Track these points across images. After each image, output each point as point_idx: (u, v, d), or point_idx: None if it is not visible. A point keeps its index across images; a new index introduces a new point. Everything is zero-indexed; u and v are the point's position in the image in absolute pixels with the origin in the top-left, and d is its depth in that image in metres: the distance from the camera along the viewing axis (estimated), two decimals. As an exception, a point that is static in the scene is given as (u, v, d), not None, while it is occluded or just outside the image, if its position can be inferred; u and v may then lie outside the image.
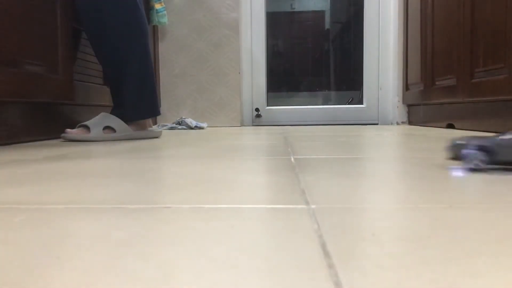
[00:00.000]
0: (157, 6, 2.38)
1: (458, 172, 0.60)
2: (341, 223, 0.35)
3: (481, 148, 0.61)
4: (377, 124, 2.70)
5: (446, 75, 1.98)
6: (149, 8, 2.36)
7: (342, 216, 0.37)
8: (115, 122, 1.43)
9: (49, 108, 1.48)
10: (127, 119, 1.46)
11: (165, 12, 2.42)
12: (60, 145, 1.21)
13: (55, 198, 0.47)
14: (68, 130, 1.37)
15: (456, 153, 0.67)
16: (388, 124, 2.66)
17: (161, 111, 2.53)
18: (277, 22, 2.82)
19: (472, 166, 0.61)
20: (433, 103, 2.15)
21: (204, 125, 2.35)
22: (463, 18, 1.81)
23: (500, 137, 0.62)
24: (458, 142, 0.67)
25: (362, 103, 2.74)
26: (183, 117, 2.42)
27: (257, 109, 2.74)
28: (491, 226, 0.34)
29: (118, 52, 1.43)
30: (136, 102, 1.48)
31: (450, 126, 1.98)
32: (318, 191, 0.49)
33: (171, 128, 2.31)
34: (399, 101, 2.61)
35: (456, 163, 0.69)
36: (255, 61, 2.71)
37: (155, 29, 2.50)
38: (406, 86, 2.53)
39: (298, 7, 2.88)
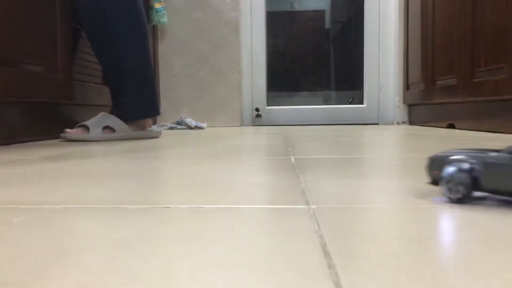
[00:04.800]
0: (157, 5, 2.38)
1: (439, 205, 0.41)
2: (341, 223, 0.35)
3: (466, 170, 0.41)
4: (377, 124, 2.70)
5: (447, 75, 1.98)
6: (149, 7, 2.35)
7: (342, 216, 0.37)
8: (115, 122, 1.43)
9: (48, 108, 1.48)
10: (126, 119, 1.46)
11: (165, 11, 2.42)
12: (59, 145, 1.21)
13: (55, 198, 0.47)
14: (68, 130, 1.37)
15: (435, 175, 0.44)
16: (389, 124, 2.66)
17: (161, 111, 2.53)
18: (277, 22, 2.82)
19: (454, 196, 0.41)
20: (433, 103, 2.15)
21: (204, 125, 2.35)
22: (464, 18, 1.81)
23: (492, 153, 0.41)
24: (438, 156, 0.44)
25: (362, 103, 2.74)
26: (183, 117, 2.42)
27: (257, 109, 2.74)
28: (492, 226, 0.34)
29: (118, 52, 1.43)
30: (136, 102, 1.48)
31: (451, 126, 1.98)
32: (318, 191, 0.49)
33: (171, 128, 2.30)
34: (399, 101, 2.61)
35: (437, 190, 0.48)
36: (255, 61, 2.71)
37: (155, 28, 2.50)
38: (407, 86, 2.53)
39: (298, 7, 2.88)
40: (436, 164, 0.44)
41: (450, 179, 0.41)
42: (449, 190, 0.41)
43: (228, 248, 0.29)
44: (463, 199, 0.41)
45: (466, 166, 0.40)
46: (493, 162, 0.40)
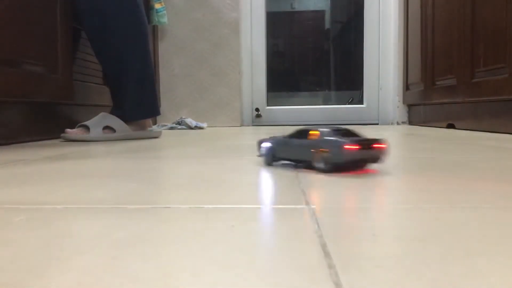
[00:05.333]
0: (157, 6, 2.38)
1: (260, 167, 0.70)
2: (341, 223, 0.35)
3: (269, 147, 0.70)
4: (377, 124, 2.70)
5: (447, 75, 1.98)
6: (149, 8, 2.35)
7: (342, 216, 0.37)
8: (115, 122, 1.43)
9: (49, 108, 1.48)
10: (127, 119, 1.46)
11: (165, 12, 2.42)
12: (59, 145, 1.21)
13: (55, 198, 0.47)
14: (68, 130, 1.37)
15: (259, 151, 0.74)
16: (389, 124, 2.66)
17: (161, 111, 2.53)
18: (277, 22, 2.82)
19: (265, 162, 0.72)
20: (433, 103, 2.15)
21: (204, 125, 2.35)
22: (463, 18, 1.81)
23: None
24: (260, 140, 0.73)
25: (362, 103, 2.74)
26: (183, 117, 2.42)
27: (257, 109, 2.74)
28: (491, 226, 0.34)
29: (118, 52, 1.43)
30: (136, 102, 1.48)
31: (451, 126, 1.98)
32: (318, 191, 0.49)
33: (171, 128, 2.31)
34: (399, 101, 2.61)
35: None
36: (255, 61, 2.71)
37: (155, 29, 2.50)
38: (407, 86, 2.53)
39: (298, 7, 2.88)
40: (259, 144, 0.72)
41: (262, 152, 0.72)
42: (264, 159, 0.72)
43: (228, 248, 0.29)
44: (269, 163, 0.71)
45: (269, 145, 0.70)
46: (279, 142, 0.69)
